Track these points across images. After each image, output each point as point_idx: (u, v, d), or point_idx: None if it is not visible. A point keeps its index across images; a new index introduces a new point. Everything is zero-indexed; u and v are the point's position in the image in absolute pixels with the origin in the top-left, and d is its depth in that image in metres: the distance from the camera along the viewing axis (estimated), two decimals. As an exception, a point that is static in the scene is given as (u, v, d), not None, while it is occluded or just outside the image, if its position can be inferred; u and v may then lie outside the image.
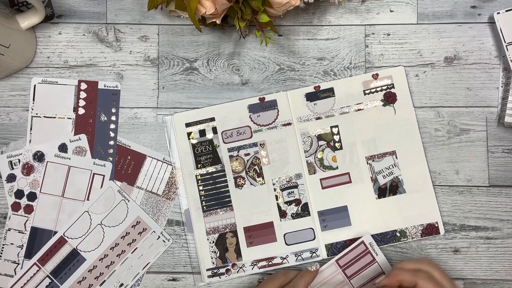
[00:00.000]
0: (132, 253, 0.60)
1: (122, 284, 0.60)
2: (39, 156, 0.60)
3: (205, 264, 0.60)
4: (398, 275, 0.52)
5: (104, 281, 0.60)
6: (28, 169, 0.60)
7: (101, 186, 0.60)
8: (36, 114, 0.61)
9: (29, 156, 0.60)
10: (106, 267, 0.60)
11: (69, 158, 0.60)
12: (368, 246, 0.59)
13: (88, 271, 0.60)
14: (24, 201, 0.60)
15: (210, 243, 0.60)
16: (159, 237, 0.61)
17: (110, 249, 0.60)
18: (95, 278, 0.60)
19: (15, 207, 0.60)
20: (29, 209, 0.60)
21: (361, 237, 0.59)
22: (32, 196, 0.60)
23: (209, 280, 0.60)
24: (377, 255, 0.59)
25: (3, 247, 0.60)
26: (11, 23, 0.56)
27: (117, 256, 0.60)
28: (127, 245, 0.60)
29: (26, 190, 0.60)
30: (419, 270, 0.52)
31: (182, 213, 0.61)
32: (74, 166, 0.60)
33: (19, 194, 0.60)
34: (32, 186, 0.60)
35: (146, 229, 0.60)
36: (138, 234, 0.60)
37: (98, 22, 0.61)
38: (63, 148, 0.60)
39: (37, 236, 0.60)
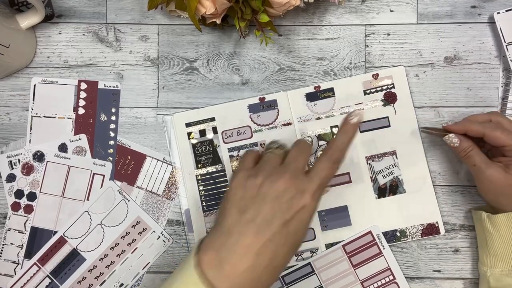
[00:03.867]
0: (132, 253, 0.60)
1: (122, 284, 0.60)
2: (39, 156, 0.60)
3: (205, 264, 0.60)
4: (466, 124, 0.53)
5: (104, 281, 0.60)
6: (28, 169, 0.60)
7: (101, 186, 0.60)
8: (36, 114, 0.61)
9: (29, 156, 0.60)
10: (106, 267, 0.60)
11: (69, 158, 0.60)
12: (375, 237, 0.59)
13: (88, 271, 0.60)
14: (24, 201, 0.60)
15: (210, 243, 0.60)
16: (159, 237, 0.60)
17: (110, 249, 0.60)
18: (95, 278, 0.60)
19: (15, 207, 0.60)
20: (29, 209, 0.60)
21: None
22: (32, 196, 0.60)
23: (209, 280, 0.60)
24: (384, 248, 0.59)
25: (3, 247, 0.60)
26: (11, 23, 0.56)
27: (117, 256, 0.60)
28: (127, 245, 0.60)
29: (26, 190, 0.60)
30: (488, 121, 0.53)
31: (182, 213, 0.61)
32: (74, 166, 0.60)
33: (19, 194, 0.60)
34: (32, 186, 0.60)
35: (146, 229, 0.60)
36: (138, 234, 0.60)
37: (98, 22, 0.61)
38: (63, 148, 0.60)
39: (37, 236, 0.60)
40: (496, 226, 0.53)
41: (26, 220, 0.60)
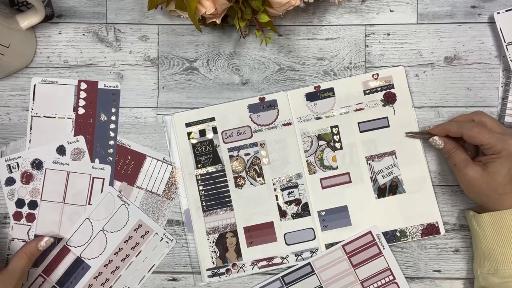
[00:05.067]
0: (136, 256, 0.60)
1: None
2: (37, 164, 0.60)
3: (205, 264, 0.60)
4: (445, 127, 0.56)
5: (111, 286, 0.60)
6: (27, 178, 0.60)
7: (102, 189, 0.60)
8: (36, 114, 0.61)
9: (27, 165, 0.60)
10: (111, 273, 0.60)
11: (68, 164, 0.60)
12: (375, 237, 0.59)
13: (94, 278, 0.60)
14: (25, 210, 0.60)
15: (210, 243, 0.60)
16: (162, 238, 0.60)
17: (114, 254, 0.60)
18: (101, 285, 0.60)
19: (17, 216, 0.60)
20: (31, 218, 0.60)
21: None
22: (33, 205, 0.60)
23: (209, 280, 0.60)
24: (384, 248, 0.59)
25: (7, 257, 0.60)
26: (11, 23, 0.56)
27: (121, 260, 0.60)
28: (131, 249, 0.60)
29: (26, 199, 0.60)
30: (471, 121, 0.55)
31: (182, 213, 0.61)
32: (73, 171, 0.60)
33: (20, 203, 0.60)
34: (33, 194, 0.60)
35: (148, 231, 0.60)
36: (141, 237, 0.60)
37: (98, 22, 0.61)
38: (61, 150, 0.60)
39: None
40: (481, 225, 0.54)
41: (29, 229, 0.60)
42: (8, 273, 0.54)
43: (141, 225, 0.60)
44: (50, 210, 0.60)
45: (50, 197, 0.60)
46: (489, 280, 0.53)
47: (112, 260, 0.60)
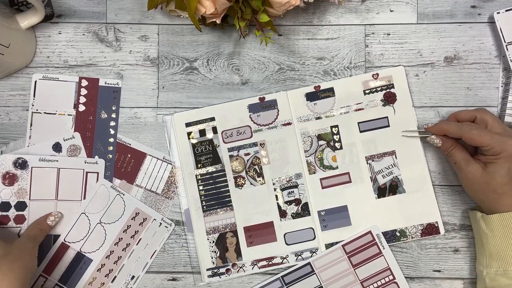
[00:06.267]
0: (137, 244, 0.60)
1: (133, 277, 0.60)
2: (21, 164, 0.59)
3: (205, 264, 0.60)
4: (444, 127, 0.55)
5: (115, 277, 0.60)
6: (10, 179, 0.59)
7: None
8: (37, 110, 0.61)
9: (8, 165, 0.59)
10: (114, 263, 0.60)
11: (57, 161, 0.60)
12: (375, 237, 0.59)
13: (97, 271, 0.60)
14: (12, 213, 0.59)
15: (210, 243, 0.60)
16: (160, 224, 0.60)
17: (115, 245, 0.60)
18: (105, 276, 0.60)
19: (3, 220, 0.59)
20: (20, 219, 0.59)
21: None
22: (21, 206, 0.59)
23: (209, 280, 0.60)
24: (384, 248, 0.59)
25: None
26: (11, 22, 0.56)
27: (123, 250, 0.60)
28: (131, 237, 0.60)
29: (12, 201, 0.59)
30: (473, 118, 0.55)
31: (182, 213, 0.61)
32: (63, 167, 0.60)
33: (4, 206, 0.59)
34: (19, 195, 0.59)
35: (146, 218, 0.60)
36: (140, 225, 0.60)
37: (98, 21, 0.61)
38: (57, 147, 0.60)
39: (37, 243, 0.59)
40: (490, 226, 0.53)
41: (20, 230, 0.59)
42: (21, 241, 0.55)
43: (138, 213, 0.60)
44: (41, 208, 0.59)
45: (41, 195, 0.59)
46: (497, 281, 0.53)
47: (113, 251, 0.60)
